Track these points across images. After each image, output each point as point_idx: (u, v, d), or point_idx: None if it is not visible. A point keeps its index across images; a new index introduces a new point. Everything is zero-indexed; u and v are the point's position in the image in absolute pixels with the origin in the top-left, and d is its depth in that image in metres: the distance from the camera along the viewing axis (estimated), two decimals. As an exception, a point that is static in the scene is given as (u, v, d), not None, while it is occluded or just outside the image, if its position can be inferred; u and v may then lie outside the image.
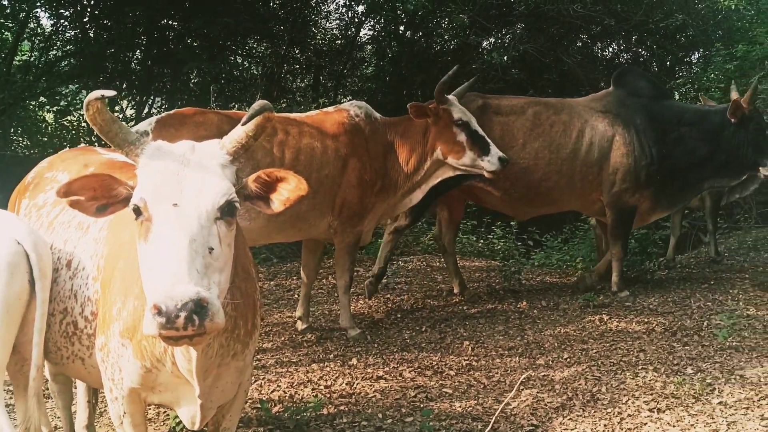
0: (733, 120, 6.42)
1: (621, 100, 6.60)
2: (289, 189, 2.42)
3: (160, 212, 2.22)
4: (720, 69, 9.68)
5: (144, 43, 11.28)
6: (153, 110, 12.09)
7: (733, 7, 10.26)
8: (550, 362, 5.12)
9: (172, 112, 5.15)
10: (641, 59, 13.62)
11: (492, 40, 12.21)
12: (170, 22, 11.31)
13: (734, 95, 6.64)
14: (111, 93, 2.38)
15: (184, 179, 2.28)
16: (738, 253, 8.24)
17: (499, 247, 8.93)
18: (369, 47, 14.38)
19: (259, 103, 2.40)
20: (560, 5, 10.69)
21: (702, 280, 7.09)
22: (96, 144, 7.28)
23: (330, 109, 5.80)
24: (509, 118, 6.41)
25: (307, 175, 5.18)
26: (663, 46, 12.82)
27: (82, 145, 5.60)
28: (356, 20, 13.64)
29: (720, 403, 4.31)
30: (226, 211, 2.27)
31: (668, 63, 13.74)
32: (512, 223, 9.14)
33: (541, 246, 9.16)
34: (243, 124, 2.42)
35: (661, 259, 8.09)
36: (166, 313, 2.01)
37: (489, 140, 5.49)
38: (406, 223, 6.57)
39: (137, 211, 2.24)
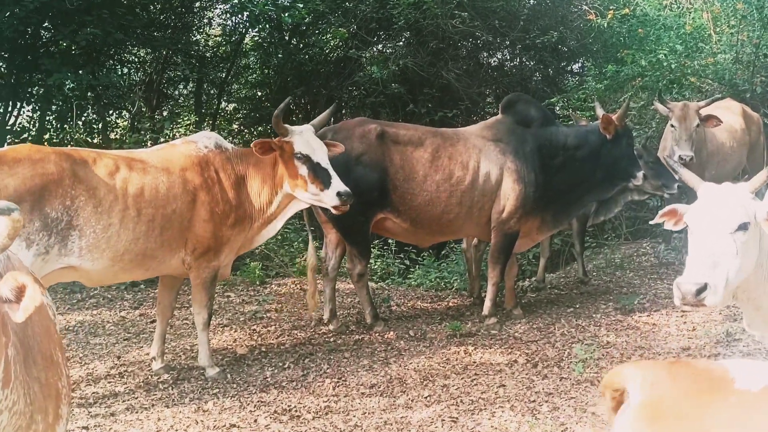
0: (608, 136, 6.63)
1: (510, 128, 6.72)
2: (27, 297, 2.18)
3: None
4: (591, 89, 9.91)
5: (8, 49, 10.67)
6: (22, 118, 11.53)
7: (605, 25, 10.52)
8: (410, 401, 5.05)
9: None
10: (525, 69, 13.83)
11: (373, 52, 12.13)
12: (39, 30, 10.75)
13: (600, 111, 6.95)
14: None
15: None
16: (605, 273, 8.41)
17: (376, 266, 8.86)
18: (254, 54, 14.09)
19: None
20: (439, 20, 10.71)
21: (568, 303, 7.20)
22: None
23: (177, 141, 5.62)
24: (407, 148, 6.42)
25: (153, 211, 5.00)
26: (543, 59, 13.04)
27: None
28: (241, 26, 13.34)
29: (568, 445, 4.35)
30: None
31: (550, 72, 14.01)
32: (390, 241, 9.08)
33: (417, 265, 9.13)
34: None
35: (533, 278, 8.20)
36: None
37: (332, 173, 5.35)
38: (363, 265, 6.53)
39: None
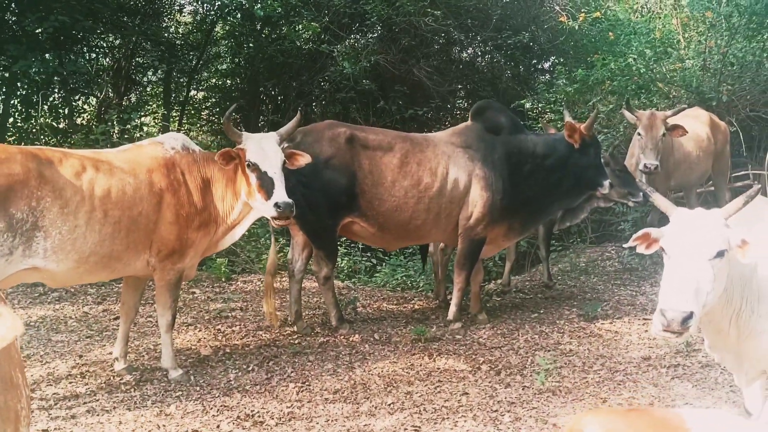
0: (575, 144, 6.70)
1: (479, 135, 6.76)
2: (5, 327, 2.14)
3: None
4: (561, 92, 9.98)
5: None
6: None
7: (576, 27, 10.60)
8: (373, 408, 5.07)
9: None
10: (496, 67, 13.85)
11: (345, 47, 12.08)
12: (5, 15, 10.55)
13: (567, 118, 7.03)
14: None
15: None
16: (570, 277, 8.51)
17: (342, 264, 8.86)
18: (224, 43, 13.96)
19: None
20: (412, 18, 10.70)
21: (533, 309, 7.28)
22: None
23: (144, 142, 5.53)
24: (376, 153, 6.42)
25: (120, 213, 4.96)
26: (515, 57, 13.09)
27: None
28: (212, 14, 13.20)
29: (528, 458, 4.40)
30: None
31: (521, 70, 14.07)
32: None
33: (384, 263, 9.15)
34: None
35: (499, 281, 8.26)
36: None
37: (277, 184, 5.16)
38: (329, 268, 6.53)
39: None
